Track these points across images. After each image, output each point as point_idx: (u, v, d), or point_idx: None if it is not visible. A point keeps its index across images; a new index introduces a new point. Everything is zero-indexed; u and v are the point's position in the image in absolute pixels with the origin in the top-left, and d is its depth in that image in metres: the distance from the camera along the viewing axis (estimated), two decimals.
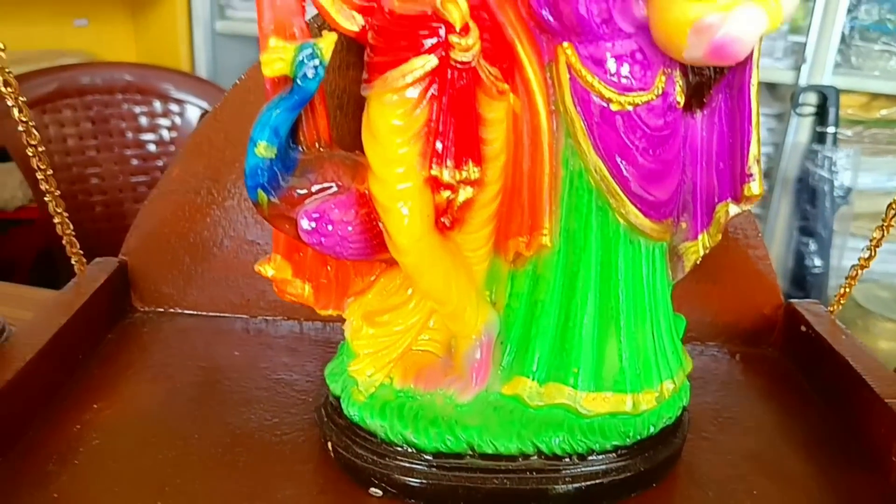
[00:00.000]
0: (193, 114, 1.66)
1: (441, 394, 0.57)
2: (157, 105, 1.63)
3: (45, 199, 0.67)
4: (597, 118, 0.55)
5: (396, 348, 0.58)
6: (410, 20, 0.52)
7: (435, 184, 0.53)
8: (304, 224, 0.52)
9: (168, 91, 1.63)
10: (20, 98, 0.62)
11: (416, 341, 0.59)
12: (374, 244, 0.55)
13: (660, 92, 0.54)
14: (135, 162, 1.63)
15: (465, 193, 0.55)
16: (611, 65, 0.54)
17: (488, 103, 0.55)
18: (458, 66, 0.52)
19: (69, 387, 0.62)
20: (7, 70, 0.61)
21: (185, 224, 0.74)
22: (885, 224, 0.67)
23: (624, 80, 0.54)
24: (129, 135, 1.61)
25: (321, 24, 0.56)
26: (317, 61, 0.50)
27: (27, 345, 0.59)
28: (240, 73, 1.93)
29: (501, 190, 0.57)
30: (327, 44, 0.50)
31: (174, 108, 1.65)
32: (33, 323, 0.63)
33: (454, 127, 0.54)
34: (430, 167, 0.53)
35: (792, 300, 0.76)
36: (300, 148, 0.54)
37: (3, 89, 0.60)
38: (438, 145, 0.53)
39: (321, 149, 0.55)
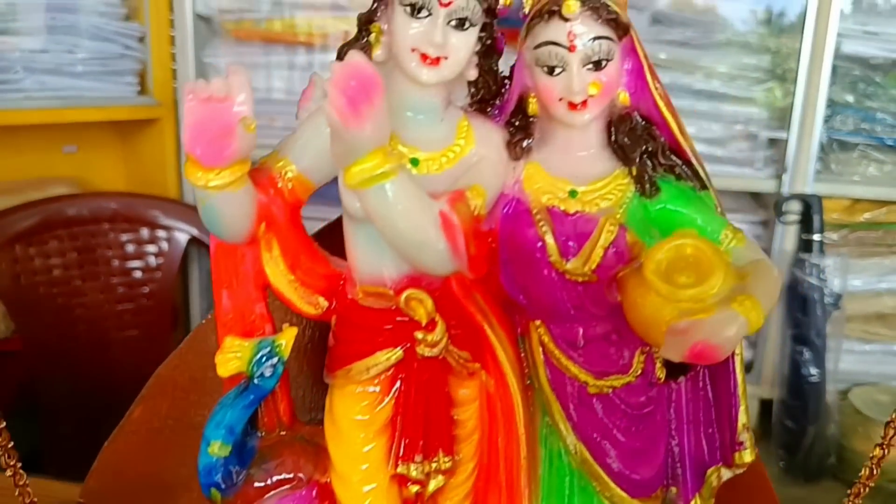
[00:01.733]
0: (181, 239, 1.66)
1: None
2: (145, 232, 1.64)
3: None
4: (574, 400, 0.53)
5: None
6: (374, 313, 0.51)
7: (402, 479, 0.51)
8: None
9: (155, 218, 1.64)
10: None
11: None
12: None
13: (639, 372, 0.53)
14: (121, 290, 1.62)
15: (435, 483, 0.52)
16: (585, 348, 0.53)
17: (459, 384, 0.53)
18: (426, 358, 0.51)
19: None
20: None
21: (147, 464, 0.71)
22: (885, 443, 0.63)
23: (600, 364, 0.52)
24: (116, 263, 1.61)
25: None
26: (275, 359, 0.48)
27: None
28: None
29: (476, 467, 0.54)
30: (287, 340, 0.49)
31: (161, 234, 1.65)
32: None
33: (423, 417, 0.51)
34: (397, 465, 0.51)
35: None
36: (258, 433, 0.51)
37: None
38: (405, 440, 0.51)
39: (282, 432, 0.52)
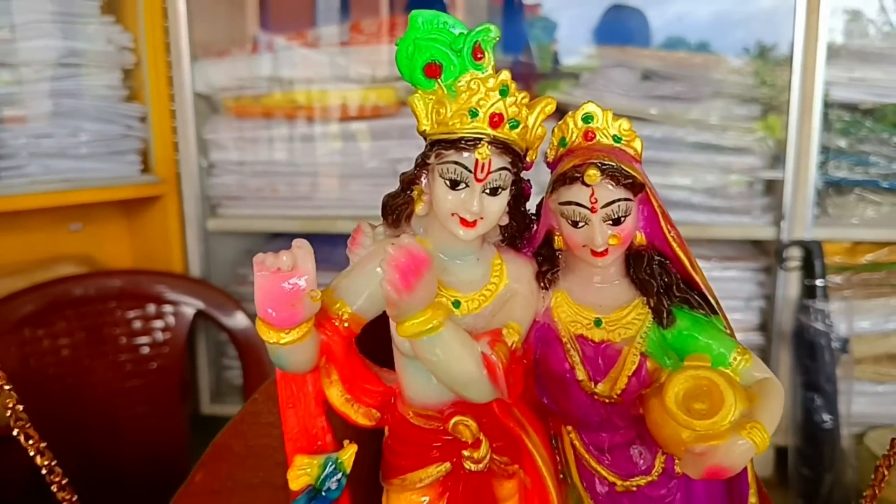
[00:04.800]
0: (188, 312, 1.68)
1: None
2: (151, 308, 1.65)
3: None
4: (604, 496, 0.60)
5: None
6: (424, 432, 0.59)
7: None
8: None
9: (161, 293, 1.66)
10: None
11: None
12: None
13: (660, 471, 0.60)
14: (129, 366, 1.63)
15: None
16: (612, 453, 0.60)
17: (500, 483, 0.60)
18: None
19: None
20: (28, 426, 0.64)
21: None
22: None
23: (626, 467, 0.59)
24: (123, 340, 1.62)
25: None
26: (340, 475, 0.54)
27: None
28: (232, 269, 1.95)
29: None
30: (349, 458, 0.56)
31: (168, 308, 1.66)
32: None
33: None
34: None
35: None
36: None
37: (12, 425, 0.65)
38: None
39: None
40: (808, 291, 1.62)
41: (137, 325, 1.64)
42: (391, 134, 1.73)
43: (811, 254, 1.60)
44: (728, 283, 1.72)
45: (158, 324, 1.66)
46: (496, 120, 0.57)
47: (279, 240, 1.97)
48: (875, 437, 1.68)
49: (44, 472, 0.69)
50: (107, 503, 1.59)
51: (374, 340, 0.61)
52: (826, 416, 1.58)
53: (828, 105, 1.62)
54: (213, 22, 1.89)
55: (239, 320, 1.68)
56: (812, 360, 1.58)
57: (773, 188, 1.69)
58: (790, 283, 1.65)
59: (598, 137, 0.61)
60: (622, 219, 0.59)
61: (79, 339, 1.56)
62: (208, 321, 1.77)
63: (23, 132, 1.56)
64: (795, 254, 1.62)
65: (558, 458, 0.61)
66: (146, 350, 1.65)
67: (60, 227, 1.85)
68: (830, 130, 1.66)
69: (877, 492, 0.65)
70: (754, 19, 1.77)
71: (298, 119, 1.78)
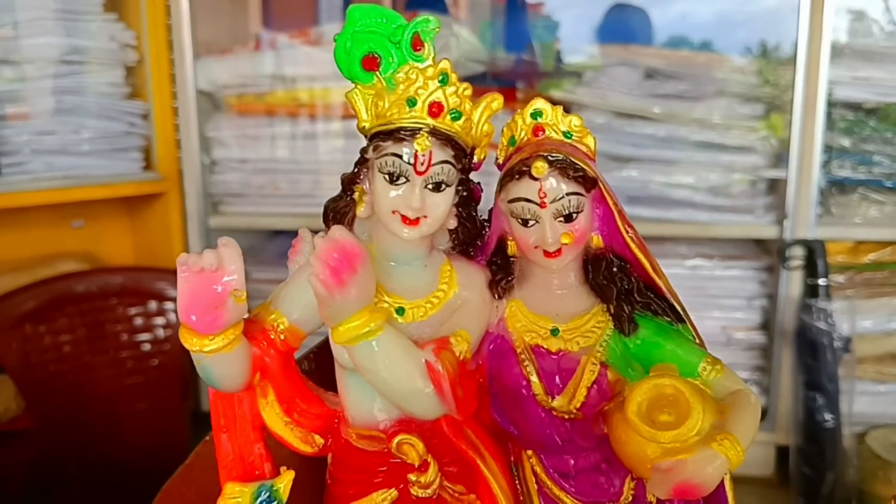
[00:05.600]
0: None
1: None
2: (153, 305, 1.65)
3: None
4: None
5: None
6: (368, 455, 0.54)
7: None
8: None
9: (163, 290, 1.65)
10: None
11: None
12: None
13: (630, 498, 0.55)
14: (130, 363, 1.62)
15: None
16: (576, 478, 0.55)
17: None
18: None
19: None
20: None
21: None
22: None
23: (591, 494, 0.55)
24: (124, 337, 1.62)
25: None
26: (275, 503, 0.50)
27: None
28: None
29: None
30: (285, 486, 0.51)
31: (169, 305, 1.66)
32: None
33: None
34: None
35: None
36: None
37: None
38: None
39: None
40: (811, 290, 1.62)
41: (139, 321, 1.64)
42: None
43: (814, 253, 1.59)
44: (730, 281, 1.72)
45: (160, 321, 1.65)
46: (435, 109, 0.54)
47: (281, 237, 1.97)
48: (877, 436, 1.67)
49: None
50: (107, 500, 1.59)
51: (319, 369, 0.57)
52: (828, 416, 1.58)
53: (831, 104, 1.61)
54: (216, 19, 1.89)
55: None
56: (814, 360, 1.58)
57: (776, 187, 1.69)
58: (793, 283, 1.65)
59: (547, 133, 0.59)
60: (574, 215, 0.56)
61: (80, 336, 1.56)
62: None
63: (25, 129, 1.56)
64: (798, 253, 1.61)
65: (519, 486, 0.56)
66: (147, 347, 1.65)
67: (62, 224, 1.84)
68: (834, 129, 1.66)
69: None
70: (758, 18, 1.77)
71: (301, 117, 1.78)
